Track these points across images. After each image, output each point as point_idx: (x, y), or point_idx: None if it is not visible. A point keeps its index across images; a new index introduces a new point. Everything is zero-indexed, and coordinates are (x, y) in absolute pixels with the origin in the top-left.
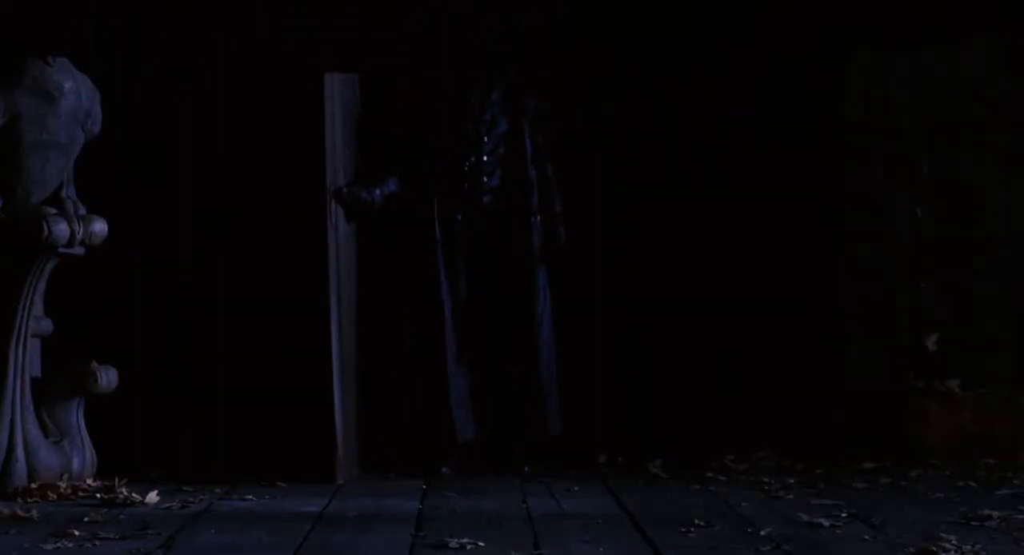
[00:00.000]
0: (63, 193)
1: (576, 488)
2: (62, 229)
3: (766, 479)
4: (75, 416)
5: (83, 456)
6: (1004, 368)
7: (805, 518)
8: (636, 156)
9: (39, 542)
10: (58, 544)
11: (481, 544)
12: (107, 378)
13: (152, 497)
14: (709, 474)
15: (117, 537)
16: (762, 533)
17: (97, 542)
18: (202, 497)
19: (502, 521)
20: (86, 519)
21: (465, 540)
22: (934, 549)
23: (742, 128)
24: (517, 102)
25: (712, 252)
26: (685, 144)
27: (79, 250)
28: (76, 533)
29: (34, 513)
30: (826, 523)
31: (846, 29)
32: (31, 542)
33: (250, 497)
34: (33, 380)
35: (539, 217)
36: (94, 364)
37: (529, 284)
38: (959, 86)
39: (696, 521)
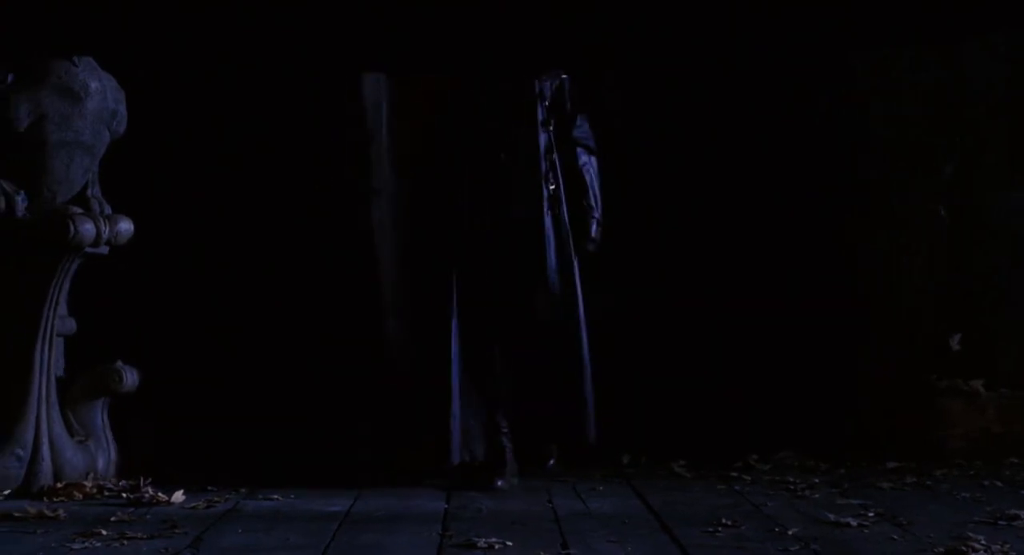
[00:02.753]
0: (88, 193)
1: (601, 488)
2: (88, 229)
3: (790, 479)
4: (99, 416)
5: (107, 455)
6: None
7: (832, 518)
8: (659, 155)
9: (66, 541)
10: (86, 544)
11: (509, 544)
12: (131, 378)
13: (178, 496)
14: (733, 474)
15: (145, 536)
16: (789, 533)
17: (125, 542)
18: (227, 497)
19: (528, 521)
20: (113, 518)
21: (493, 540)
22: (964, 549)
23: (762, 126)
24: (550, 95)
25: (733, 253)
26: (706, 143)
27: (104, 250)
28: (104, 532)
29: (60, 512)
30: (853, 523)
31: (864, 24)
32: (58, 541)
33: (275, 497)
34: (57, 379)
35: (565, 211)
36: (118, 363)
37: (562, 280)
38: (981, 82)
39: (723, 521)
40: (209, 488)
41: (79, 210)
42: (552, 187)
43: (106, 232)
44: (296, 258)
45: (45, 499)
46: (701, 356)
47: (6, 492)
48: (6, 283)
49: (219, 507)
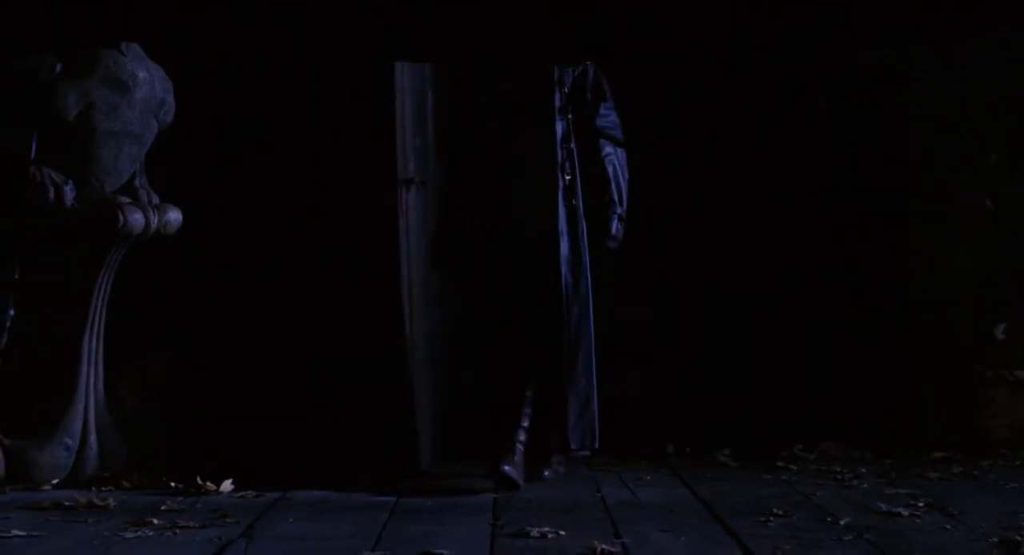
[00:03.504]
0: (136, 182)
1: (648, 477)
2: (137, 218)
3: (836, 469)
4: (147, 404)
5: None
6: None
7: (883, 508)
8: (701, 153)
9: (119, 530)
10: (139, 533)
11: (562, 533)
12: (175, 369)
13: (226, 485)
14: (779, 463)
15: (196, 525)
16: (841, 523)
17: (177, 531)
18: (272, 486)
19: (578, 510)
20: (163, 507)
21: (545, 529)
22: (1018, 538)
23: (801, 122)
24: (570, 82)
25: (778, 245)
26: (746, 141)
27: (151, 239)
28: (155, 521)
29: (110, 501)
30: (904, 512)
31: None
32: (111, 530)
33: (315, 491)
34: (104, 370)
35: (581, 204)
36: (163, 354)
37: (574, 275)
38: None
39: (773, 510)
40: (254, 477)
41: (127, 200)
42: (568, 178)
43: (155, 222)
44: (341, 247)
45: (93, 488)
46: (745, 347)
47: (55, 481)
48: (54, 273)
49: (268, 496)
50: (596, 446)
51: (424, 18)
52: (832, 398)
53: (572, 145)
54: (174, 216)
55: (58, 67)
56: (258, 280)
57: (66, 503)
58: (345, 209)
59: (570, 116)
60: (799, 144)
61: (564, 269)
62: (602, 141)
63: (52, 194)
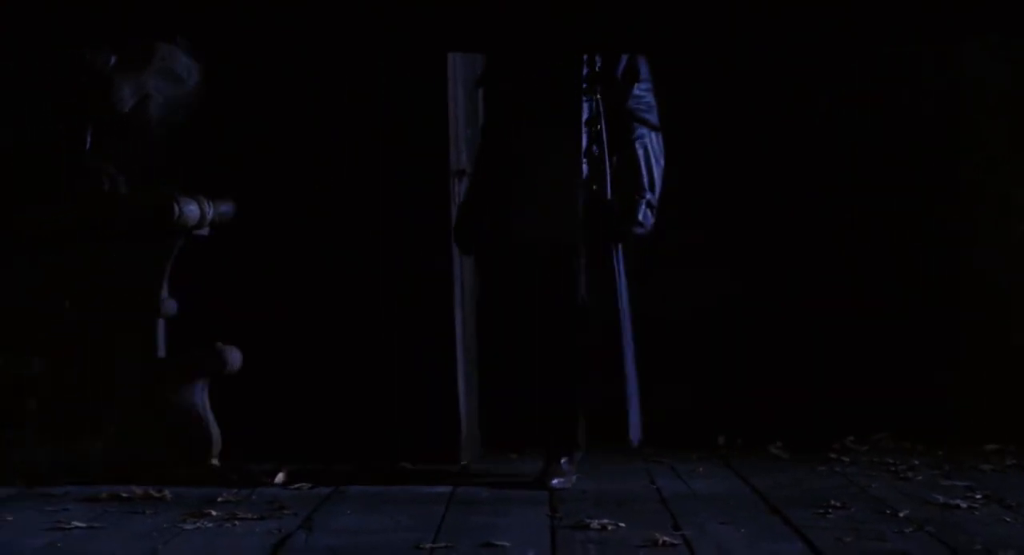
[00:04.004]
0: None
1: (700, 469)
2: (192, 210)
3: (890, 460)
4: (200, 397)
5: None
6: None
7: (940, 499)
8: (753, 151)
9: (177, 522)
10: (198, 524)
11: (622, 525)
12: (232, 358)
13: (281, 477)
14: (832, 455)
15: (255, 517)
16: (901, 515)
17: (236, 522)
18: (329, 476)
19: (635, 502)
20: (219, 499)
21: (605, 520)
22: None
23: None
24: (600, 62)
25: (830, 239)
26: (796, 139)
27: (205, 231)
28: (213, 513)
29: (166, 493)
30: (963, 505)
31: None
32: (169, 522)
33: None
34: (159, 361)
35: (609, 188)
36: (219, 345)
37: (600, 265)
38: None
39: (832, 502)
40: (310, 467)
41: (181, 192)
42: (594, 159)
43: (210, 213)
44: (393, 238)
45: None
46: (795, 338)
47: None
48: (110, 265)
49: (323, 488)
50: (636, 442)
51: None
52: (883, 390)
53: (600, 127)
54: (227, 208)
55: (112, 59)
56: (307, 273)
57: (123, 494)
58: (396, 200)
59: (597, 97)
60: (850, 128)
61: (587, 258)
62: (635, 124)
63: (107, 185)
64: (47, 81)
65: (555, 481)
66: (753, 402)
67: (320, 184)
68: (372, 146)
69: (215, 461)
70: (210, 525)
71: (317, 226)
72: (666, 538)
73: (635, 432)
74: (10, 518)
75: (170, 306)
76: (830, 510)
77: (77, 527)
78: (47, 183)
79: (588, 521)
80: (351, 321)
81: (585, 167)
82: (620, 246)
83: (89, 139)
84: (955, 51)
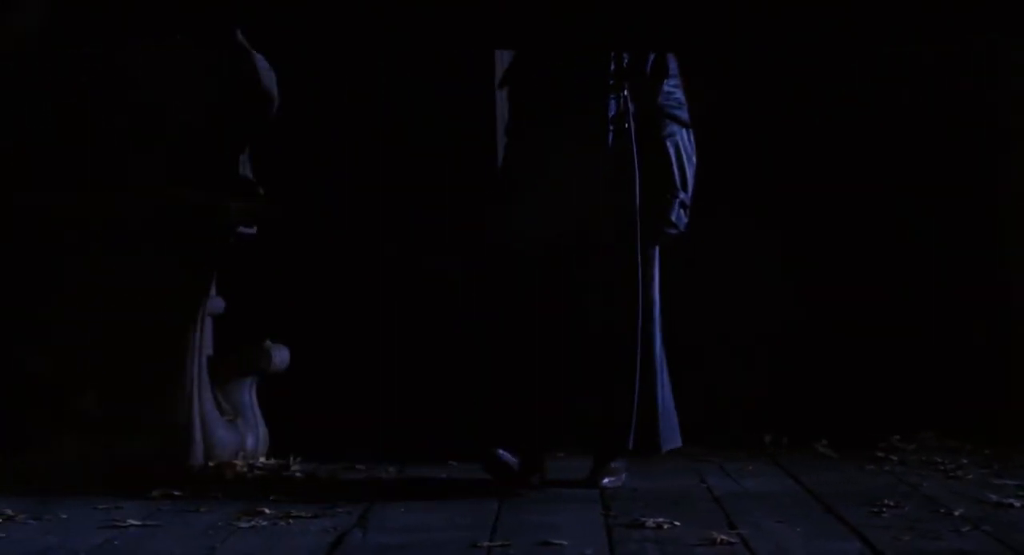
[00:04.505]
0: (241, 173)
1: (750, 467)
2: (241, 208)
3: (938, 459)
4: (248, 395)
5: (256, 434)
6: None
7: (993, 498)
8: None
9: (232, 520)
10: (253, 523)
11: (677, 523)
12: (280, 356)
13: (333, 474)
14: (879, 454)
15: (309, 515)
16: (955, 513)
17: (291, 520)
18: (379, 475)
19: (688, 501)
20: (272, 497)
21: (660, 519)
22: None
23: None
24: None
25: (876, 237)
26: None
27: (253, 229)
28: (267, 511)
29: (218, 491)
30: (1016, 504)
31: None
32: (224, 520)
33: (424, 474)
34: (207, 359)
35: (638, 188)
36: (267, 343)
37: (624, 267)
38: None
39: (885, 501)
40: (357, 467)
41: (235, 190)
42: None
43: (259, 211)
44: (442, 236)
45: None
46: (840, 337)
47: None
48: (160, 264)
49: (375, 486)
50: (662, 448)
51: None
52: (928, 388)
53: (627, 125)
54: (277, 208)
55: (158, 55)
56: (360, 271)
57: (175, 493)
58: (444, 199)
59: (624, 94)
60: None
61: (618, 258)
62: (665, 121)
63: (156, 184)
64: (90, 77)
65: (606, 480)
66: (798, 401)
67: (366, 184)
68: (422, 145)
69: (262, 459)
70: (265, 523)
71: (365, 224)
72: (723, 536)
73: (668, 439)
74: (64, 516)
75: (218, 304)
76: (884, 509)
77: (132, 525)
78: (95, 182)
79: (643, 520)
80: (399, 320)
81: (611, 166)
82: (654, 248)
83: (138, 137)
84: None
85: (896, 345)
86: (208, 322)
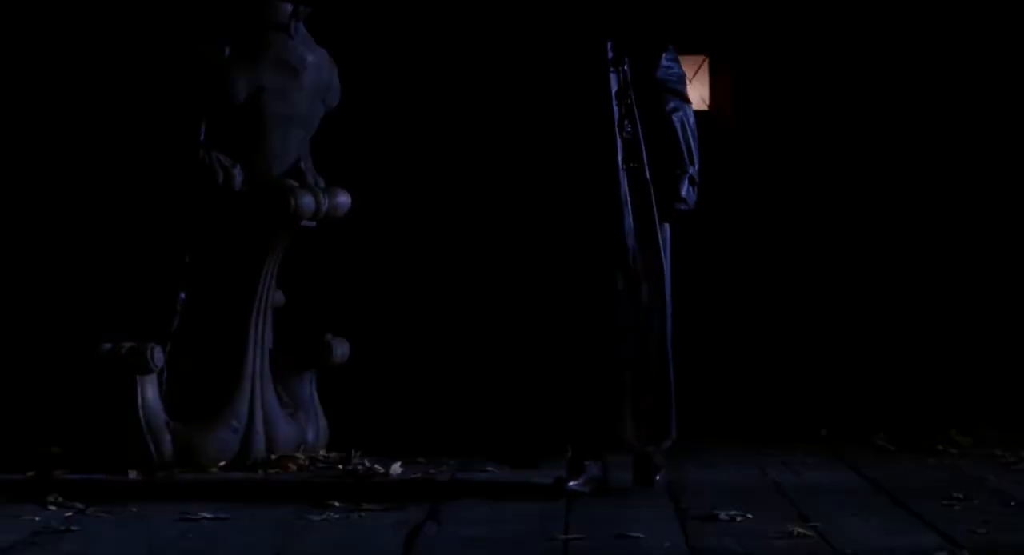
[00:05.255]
0: (301, 165)
1: (809, 461)
2: (308, 201)
3: (998, 452)
4: (308, 388)
5: (317, 427)
6: None
7: None
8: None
9: (304, 512)
10: (324, 516)
11: (750, 516)
12: (340, 350)
13: (396, 469)
14: (939, 447)
15: (380, 508)
16: None
17: (362, 513)
18: (440, 469)
19: (754, 493)
20: (338, 491)
21: (733, 512)
22: None
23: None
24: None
25: (938, 231)
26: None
27: (312, 223)
28: (336, 504)
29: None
30: None
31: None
32: (295, 513)
33: (489, 469)
34: (268, 352)
35: (647, 165)
36: (328, 336)
37: (643, 248)
38: None
39: (953, 494)
40: (419, 460)
41: (296, 183)
42: (628, 135)
43: (325, 204)
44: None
45: (259, 471)
46: (897, 332)
47: (221, 464)
48: (222, 256)
49: (438, 479)
50: (669, 440)
51: None
52: (985, 382)
53: (630, 100)
54: (343, 199)
55: (227, 51)
56: (424, 264)
57: (242, 485)
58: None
59: (624, 68)
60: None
61: (630, 242)
62: (666, 95)
63: (221, 177)
64: (161, 74)
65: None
66: (854, 394)
67: (432, 178)
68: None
69: (323, 452)
70: (336, 516)
71: (429, 217)
72: (799, 529)
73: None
74: (134, 509)
75: (278, 297)
76: (954, 502)
77: (204, 518)
78: (163, 176)
79: (717, 513)
80: (458, 315)
81: (620, 143)
82: (665, 226)
83: (204, 131)
84: None
85: (952, 339)
86: (269, 315)
